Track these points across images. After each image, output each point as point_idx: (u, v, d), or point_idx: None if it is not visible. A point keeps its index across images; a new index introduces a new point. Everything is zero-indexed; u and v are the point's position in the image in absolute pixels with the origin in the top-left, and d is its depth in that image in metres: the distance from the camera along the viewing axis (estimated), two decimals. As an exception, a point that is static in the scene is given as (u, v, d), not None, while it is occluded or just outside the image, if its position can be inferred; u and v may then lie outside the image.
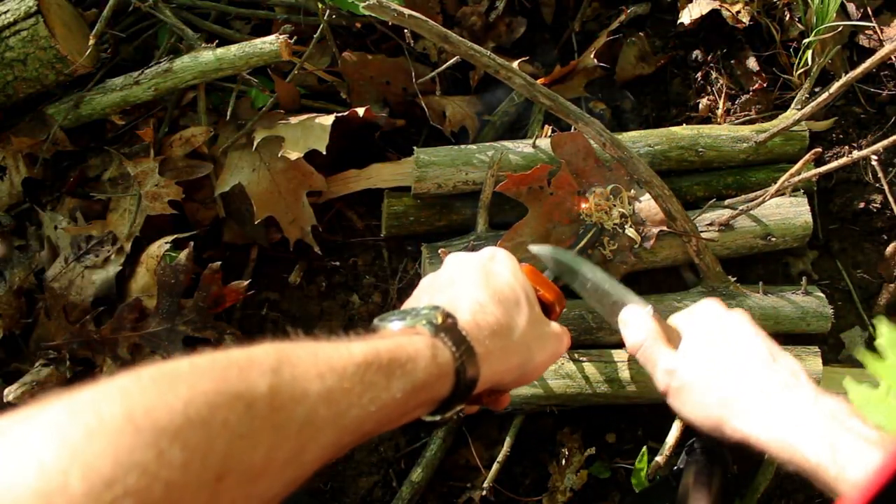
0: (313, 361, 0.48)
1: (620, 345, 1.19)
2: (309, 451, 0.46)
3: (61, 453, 0.34)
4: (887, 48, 1.02)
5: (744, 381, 0.70)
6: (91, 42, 1.25)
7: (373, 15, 1.00)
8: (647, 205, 1.20)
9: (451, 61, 1.26)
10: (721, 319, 0.78)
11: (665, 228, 1.18)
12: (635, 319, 0.81)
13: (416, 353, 0.56)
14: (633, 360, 1.17)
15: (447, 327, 0.61)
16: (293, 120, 1.25)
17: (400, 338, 0.58)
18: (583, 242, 1.14)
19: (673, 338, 0.79)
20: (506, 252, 0.77)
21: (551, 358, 0.74)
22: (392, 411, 0.53)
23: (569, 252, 0.90)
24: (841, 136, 1.36)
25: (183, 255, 1.18)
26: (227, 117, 1.30)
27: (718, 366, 0.73)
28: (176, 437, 0.37)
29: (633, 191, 1.21)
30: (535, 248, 0.91)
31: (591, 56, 1.36)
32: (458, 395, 0.60)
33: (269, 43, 1.20)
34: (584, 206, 1.19)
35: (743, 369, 0.71)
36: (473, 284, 0.69)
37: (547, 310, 0.80)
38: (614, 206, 1.19)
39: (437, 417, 0.62)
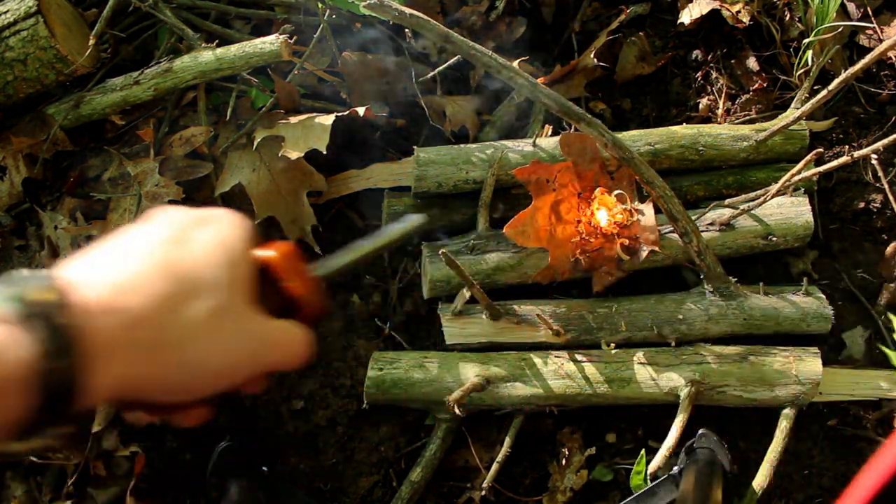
0: None
1: (621, 345, 1.20)
2: None
3: None
4: (886, 43, 1.01)
5: None
6: (91, 42, 1.25)
7: (374, 14, 1.00)
8: (647, 219, 1.19)
9: (451, 61, 1.26)
10: None
11: (656, 249, 1.18)
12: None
13: None
14: (633, 361, 1.17)
15: (43, 309, 0.41)
16: (293, 120, 1.25)
17: None
18: None
19: None
20: (235, 219, 0.57)
21: (253, 361, 0.52)
22: None
23: (333, 258, 0.66)
24: (841, 136, 1.36)
25: (183, 255, 1.18)
26: (227, 117, 1.30)
27: None
28: None
29: (636, 203, 1.20)
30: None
31: (591, 56, 1.36)
32: (51, 410, 0.41)
33: (269, 43, 1.20)
34: (591, 210, 1.18)
35: None
36: (142, 250, 0.49)
37: (291, 308, 0.60)
38: (617, 212, 1.18)
39: (21, 447, 0.42)
